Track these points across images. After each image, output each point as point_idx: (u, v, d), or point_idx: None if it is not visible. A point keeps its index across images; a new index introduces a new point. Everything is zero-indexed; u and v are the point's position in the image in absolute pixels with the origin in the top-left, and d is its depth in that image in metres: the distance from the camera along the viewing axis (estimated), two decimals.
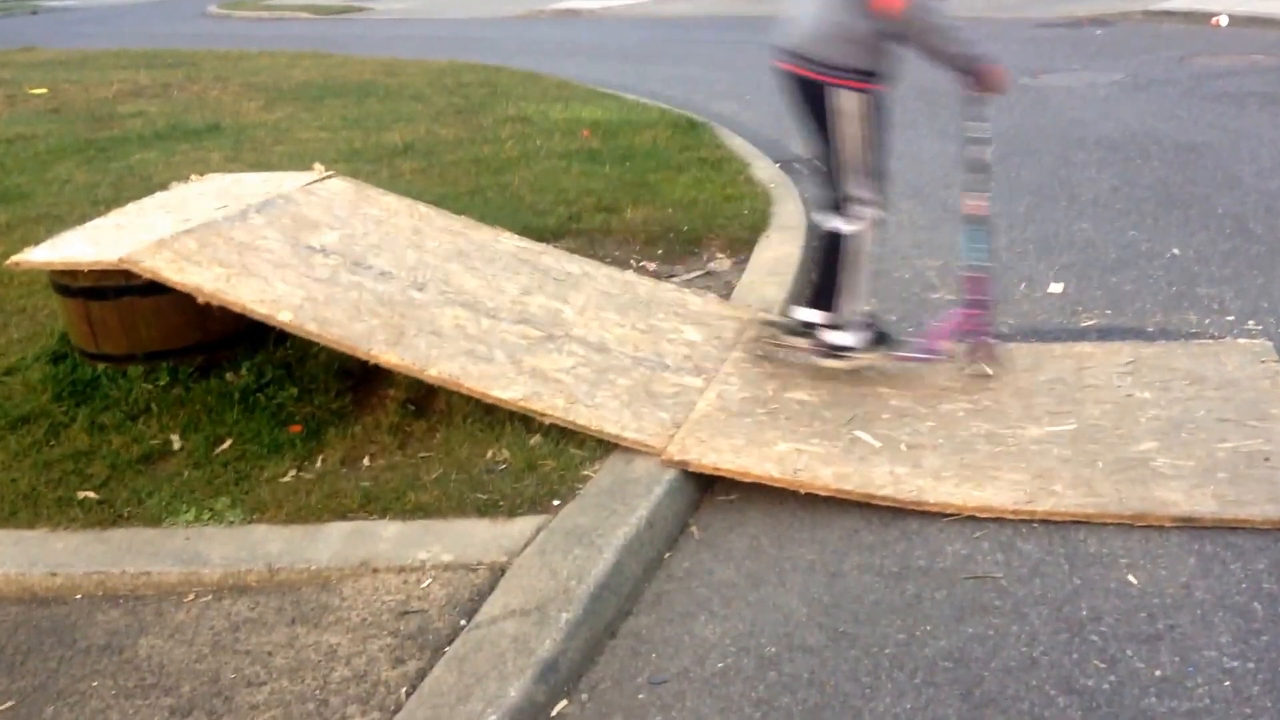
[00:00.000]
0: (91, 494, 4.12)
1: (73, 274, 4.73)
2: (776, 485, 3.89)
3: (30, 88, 14.27)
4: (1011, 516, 3.73)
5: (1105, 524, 3.67)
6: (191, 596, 3.61)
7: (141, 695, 3.17)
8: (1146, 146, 8.62)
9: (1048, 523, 3.70)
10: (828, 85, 4.38)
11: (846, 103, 4.39)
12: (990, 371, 4.69)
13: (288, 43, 19.50)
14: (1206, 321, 5.26)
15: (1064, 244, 6.51)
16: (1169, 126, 9.25)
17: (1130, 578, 3.41)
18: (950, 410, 4.40)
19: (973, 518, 3.75)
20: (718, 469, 3.95)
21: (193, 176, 6.07)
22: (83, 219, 5.52)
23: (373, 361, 4.32)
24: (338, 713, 3.02)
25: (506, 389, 4.27)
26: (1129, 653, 3.08)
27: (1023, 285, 5.87)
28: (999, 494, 3.81)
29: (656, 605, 3.47)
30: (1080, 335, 5.18)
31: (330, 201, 5.44)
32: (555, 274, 5.30)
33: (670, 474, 3.94)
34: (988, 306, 4.73)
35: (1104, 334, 5.18)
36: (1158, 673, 3.00)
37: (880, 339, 4.81)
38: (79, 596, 3.67)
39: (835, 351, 4.75)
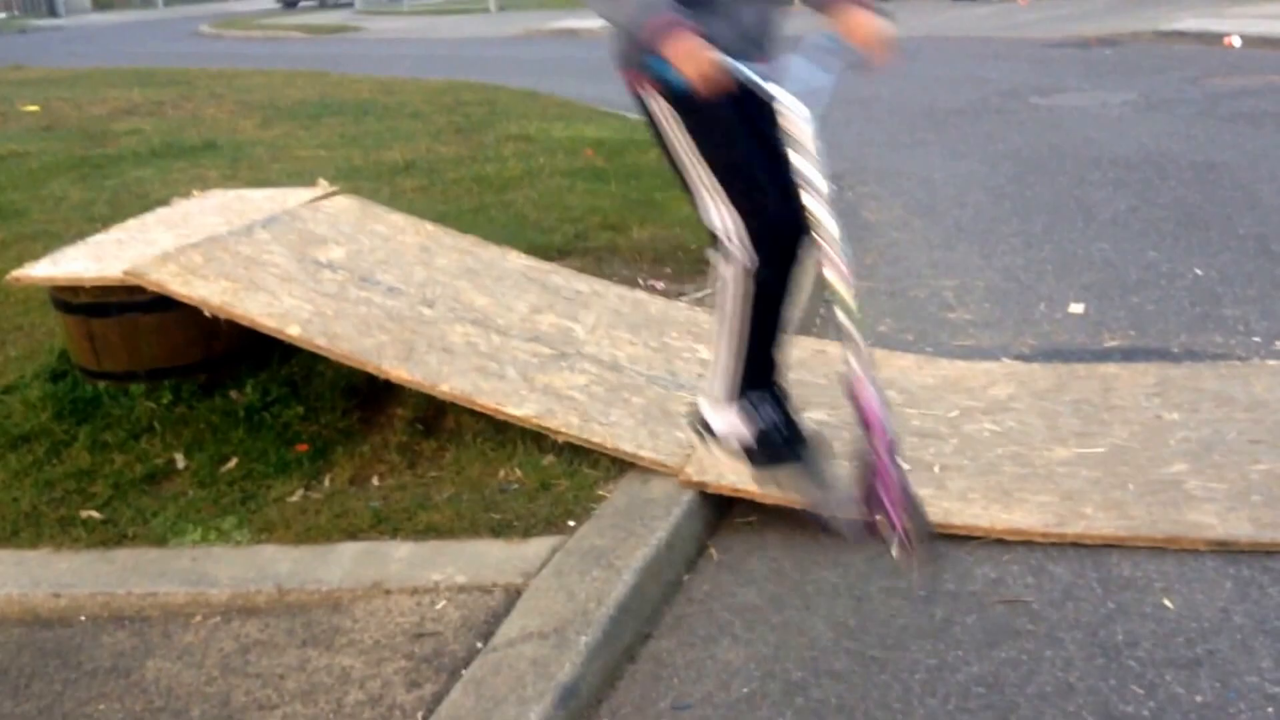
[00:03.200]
0: (95, 513, 4.09)
1: (74, 290, 4.71)
2: (797, 507, 3.86)
3: (22, 105, 14.28)
4: (1041, 539, 3.69)
5: (1138, 547, 3.63)
6: (199, 618, 3.57)
7: (150, 719, 3.14)
8: (1163, 166, 8.63)
9: (1079, 545, 3.66)
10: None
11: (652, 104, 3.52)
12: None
13: (282, 62, 19.57)
14: (1232, 343, 5.25)
15: (1083, 264, 6.50)
16: (1185, 146, 9.27)
17: (1166, 602, 3.38)
18: (974, 431, 4.38)
19: (1001, 540, 3.71)
20: (737, 490, 3.92)
21: (194, 193, 6.06)
22: (79, 236, 5.50)
23: (383, 377, 4.30)
24: None
25: (519, 406, 4.24)
26: (1168, 678, 3.05)
27: (1042, 305, 5.86)
28: (1028, 516, 3.78)
29: (677, 628, 3.44)
30: (1104, 356, 5.16)
31: (336, 218, 5.43)
32: (565, 292, 5.29)
33: (688, 495, 3.90)
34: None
35: (1128, 355, 5.17)
36: (1198, 699, 2.97)
37: (768, 452, 3.75)
38: (83, 618, 3.62)
39: (702, 429, 3.91)
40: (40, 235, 7.58)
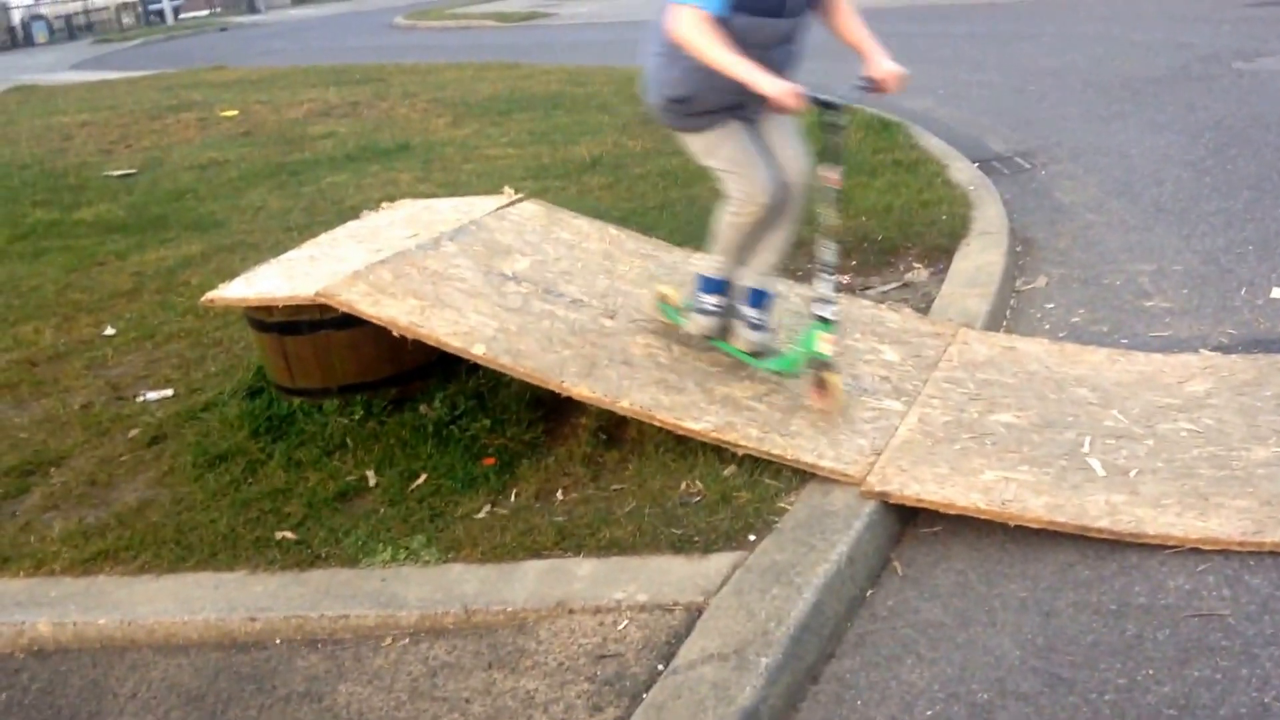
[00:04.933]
0: (289, 534, 4.25)
1: (268, 309, 4.88)
2: (984, 517, 3.83)
3: (221, 110, 14.80)
4: (1238, 548, 3.59)
5: None
6: (389, 640, 3.69)
7: None
8: None
9: (1277, 554, 3.55)
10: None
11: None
12: None
13: (473, 53, 19.84)
14: None
15: None
16: None
17: None
18: (1169, 431, 4.27)
19: (1196, 550, 3.62)
20: (920, 500, 3.90)
21: (384, 204, 6.23)
22: (276, 246, 5.70)
23: (565, 394, 4.38)
24: None
25: (699, 419, 4.29)
26: None
27: (1243, 290, 5.66)
28: (1225, 524, 3.67)
29: (860, 647, 3.44)
30: None
31: (522, 226, 5.54)
32: None
33: (870, 505, 3.89)
34: None
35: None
36: None
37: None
38: (278, 641, 3.78)
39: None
40: (238, 246, 7.87)
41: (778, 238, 4.68)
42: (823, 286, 4.45)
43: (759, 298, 4.77)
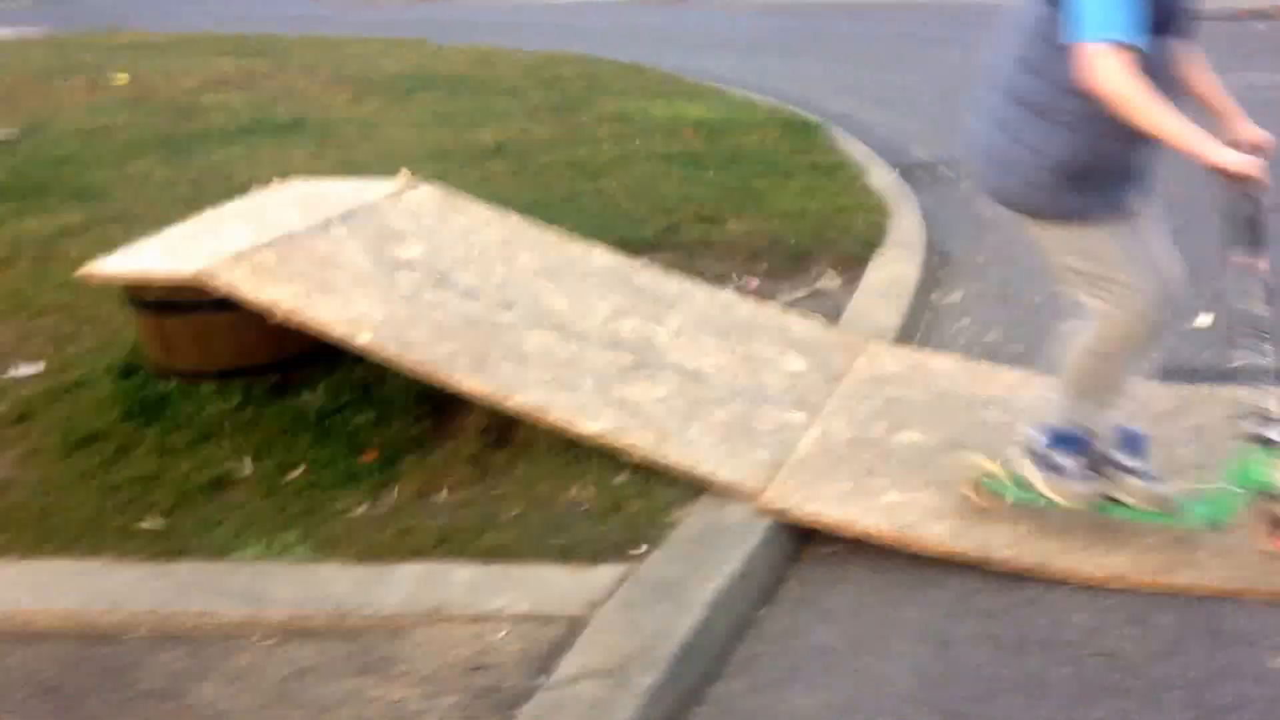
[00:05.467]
0: (157, 522, 4.12)
1: (146, 287, 4.75)
2: (883, 542, 3.77)
3: (113, 75, 14.47)
4: (1147, 587, 3.56)
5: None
6: (255, 638, 3.56)
7: None
8: None
9: (1189, 595, 3.53)
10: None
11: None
12: None
13: (382, 28, 19.64)
14: None
15: (1215, 269, 6.25)
16: None
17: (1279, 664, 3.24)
18: None
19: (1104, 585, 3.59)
20: (819, 519, 3.84)
21: (274, 181, 6.08)
22: (160, 220, 5.54)
23: (454, 389, 4.28)
24: None
25: (593, 421, 4.20)
26: None
27: None
28: (1133, 561, 3.65)
29: (747, 669, 3.37)
30: (1229, 377, 4.93)
31: (417, 211, 5.42)
32: (650, 294, 5.23)
33: (766, 522, 3.83)
34: None
35: (1256, 376, 4.96)
36: None
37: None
38: (140, 634, 3.63)
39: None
40: (121, 218, 7.66)
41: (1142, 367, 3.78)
42: (1271, 400, 3.59)
43: (1135, 441, 3.86)
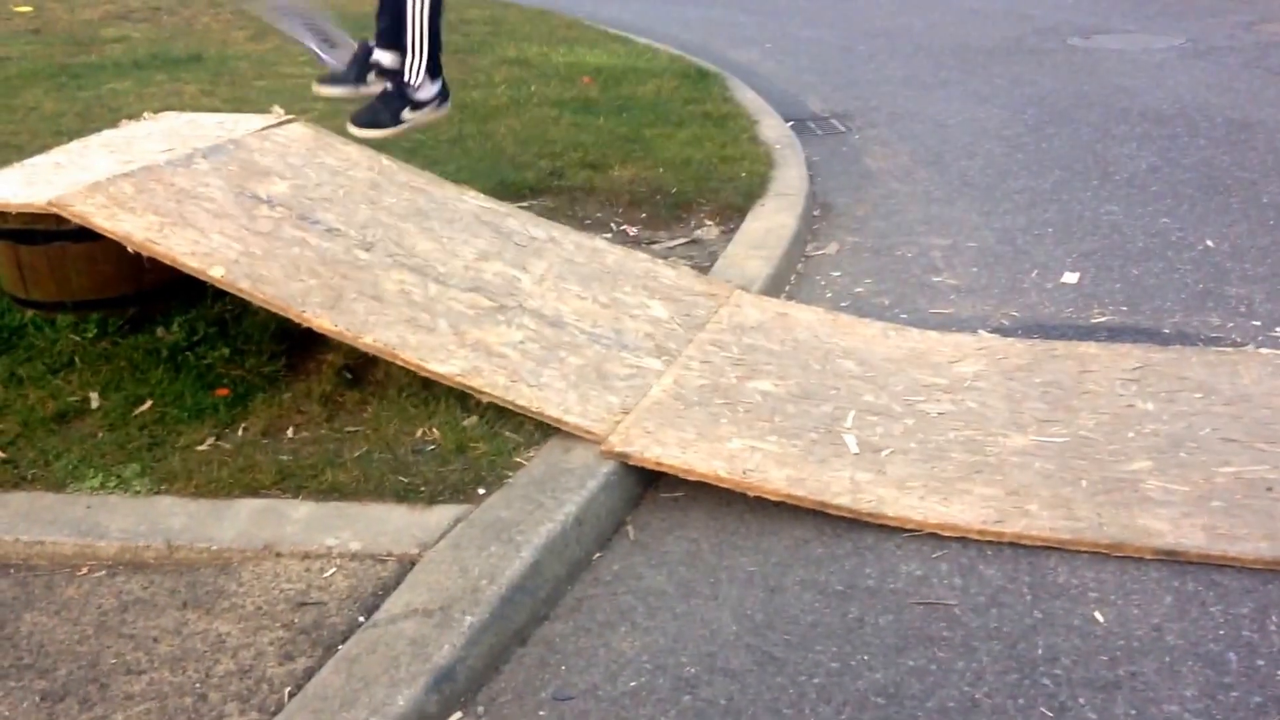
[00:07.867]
0: None
1: (2, 215, 4.67)
2: (723, 485, 3.79)
3: (14, 4, 14.19)
4: (977, 537, 3.61)
5: (1079, 551, 3.54)
6: (85, 570, 3.55)
7: (15, 677, 3.12)
8: (1196, 122, 8.41)
9: (1016, 545, 3.57)
10: None
11: None
12: None
13: None
14: (1230, 325, 5.09)
15: (1087, 228, 6.36)
16: (1224, 100, 9.02)
17: (1097, 614, 3.28)
18: (929, 411, 4.29)
19: (935, 535, 3.63)
20: (660, 464, 3.84)
21: (146, 114, 5.98)
22: (42, 150, 5.45)
23: (305, 325, 4.24)
24: (215, 710, 2.95)
25: (445, 362, 4.18)
26: (1081, 701, 2.96)
27: (1035, 273, 5.73)
28: (966, 511, 3.69)
29: (576, 612, 3.39)
30: (1089, 334, 5.03)
31: (286, 148, 5.35)
32: (518, 238, 5.19)
33: (609, 466, 3.83)
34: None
35: (1114, 334, 5.04)
36: None
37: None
38: None
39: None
40: (2, 148, 7.53)
41: None
42: None
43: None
